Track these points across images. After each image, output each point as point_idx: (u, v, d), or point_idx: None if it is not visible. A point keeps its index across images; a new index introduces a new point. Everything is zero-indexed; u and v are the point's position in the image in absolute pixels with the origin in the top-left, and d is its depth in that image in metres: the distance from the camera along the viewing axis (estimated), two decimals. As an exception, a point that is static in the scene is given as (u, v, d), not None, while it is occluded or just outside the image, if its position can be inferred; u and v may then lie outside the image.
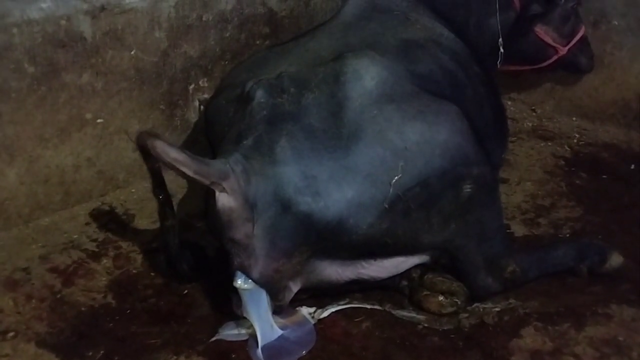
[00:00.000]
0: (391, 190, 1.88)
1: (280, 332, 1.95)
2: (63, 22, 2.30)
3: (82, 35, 2.35)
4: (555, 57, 2.97)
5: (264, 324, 1.92)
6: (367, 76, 1.97)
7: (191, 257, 2.15)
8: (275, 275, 1.89)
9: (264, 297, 1.91)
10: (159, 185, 2.03)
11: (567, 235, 2.49)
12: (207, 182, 1.80)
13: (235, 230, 1.84)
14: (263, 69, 2.25)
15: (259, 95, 1.97)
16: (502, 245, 2.13)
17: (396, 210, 1.90)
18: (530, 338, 2.00)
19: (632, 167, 2.94)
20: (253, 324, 1.91)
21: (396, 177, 1.88)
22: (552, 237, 2.47)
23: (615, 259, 2.22)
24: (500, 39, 2.81)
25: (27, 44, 2.24)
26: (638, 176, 2.87)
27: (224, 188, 1.81)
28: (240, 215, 1.83)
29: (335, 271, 2.02)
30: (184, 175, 1.80)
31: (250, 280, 1.87)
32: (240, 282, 1.87)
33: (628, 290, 2.18)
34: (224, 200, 1.82)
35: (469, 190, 1.97)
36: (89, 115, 2.48)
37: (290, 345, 1.95)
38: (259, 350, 1.90)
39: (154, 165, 1.94)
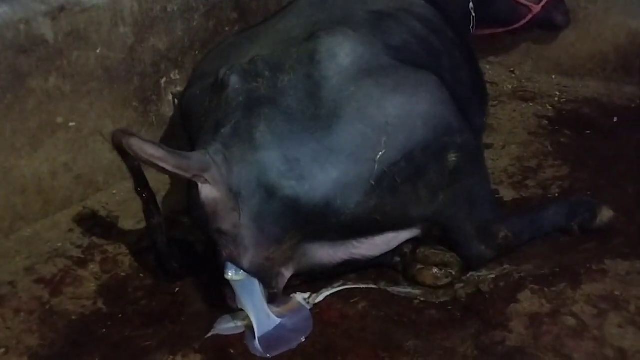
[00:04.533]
0: (376, 166, 1.85)
1: (277, 320, 1.92)
2: (22, 26, 2.22)
3: (43, 38, 2.28)
4: (529, 16, 2.94)
5: (259, 314, 1.89)
6: (341, 53, 1.93)
7: (180, 255, 2.11)
8: (266, 263, 1.86)
9: (256, 287, 1.88)
10: (140, 183, 1.98)
11: (556, 194, 2.47)
12: (188, 175, 1.76)
13: (221, 220, 1.81)
14: (235, 55, 2.20)
15: (234, 81, 1.92)
16: (492, 211, 2.11)
17: (383, 186, 1.87)
18: (527, 302, 1.99)
19: (615, 120, 2.93)
20: (249, 315, 1.88)
21: (380, 153, 1.85)
22: (541, 198, 2.45)
23: (606, 214, 2.21)
24: (471, 4, 2.78)
25: (-13, 52, 2.17)
26: (621, 129, 2.86)
27: (206, 180, 1.77)
28: (225, 205, 1.79)
29: (327, 253, 1.99)
30: (163, 170, 1.75)
31: (241, 271, 1.84)
32: (230, 273, 1.84)
33: (621, 244, 2.18)
34: (207, 191, 1.79)
35: (454, 159, 1.94)
36: (60, 120, 2.41)
37: (288, 334, 1.92)
38: (257, 342, 1.88)
39: (133, 163, 1.89)
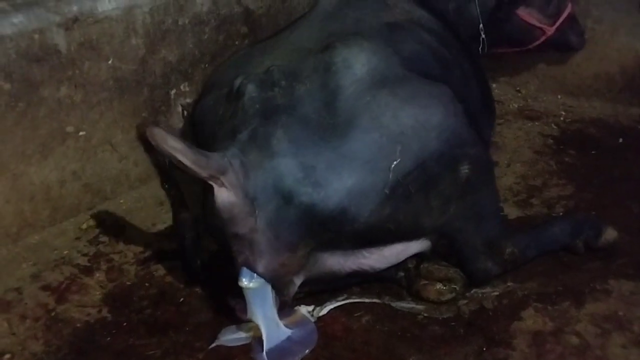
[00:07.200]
0: (391, 175, 1.87)
1: (288, 331, 1.92)
2: (36, 36, 2.26)
3: (56, 48, 2.31)
4: (543, 38, 2.93)
5: (270, 324, 1.89)
6: (357, 64, 1.96)
7: (205, 253, 2.12)
8: (281, 270, 1.87)
9: (269, 296, 1.88)
10: (168, 180, 1.98)
11: (561, 213, 2.48)
12: (205, 174, 1.76)
13: (237, 225, 1.81)
14: (248, 66, 2.22)
15: (250, 89, 1.95)
16: (499, 227, 2.13)
17: (397, 195, 1.89)
18: (531, 319, 1.99)
19: (620, 140, 2.94)
20: (259, 325, 1.88)
21: (395, 162, 1.87)
22: (546, 217, 2.46)
23: (610, 233, 2.22)
24: (481, 25, 2.78)
25: (1, 60, 2.19)
26: (626, 150, 2.87)
27: (222, 183, 1.78)
28: (241, 210, 1.80)
29: (337, 262, 2.00)
30: (182, 165, 1.75)
31: (255, 279, 1.84)
32: (245, 281, 1.84)
33: (625, 265, 2.18)
34: (224, 195, 1.80)
35: (466, 171, 1.96)
36: (70, 129, 2.44)
37: (293, 346, 1.92)
38: (264, 354, 1.87)
39: (160, 157, 1.89)
